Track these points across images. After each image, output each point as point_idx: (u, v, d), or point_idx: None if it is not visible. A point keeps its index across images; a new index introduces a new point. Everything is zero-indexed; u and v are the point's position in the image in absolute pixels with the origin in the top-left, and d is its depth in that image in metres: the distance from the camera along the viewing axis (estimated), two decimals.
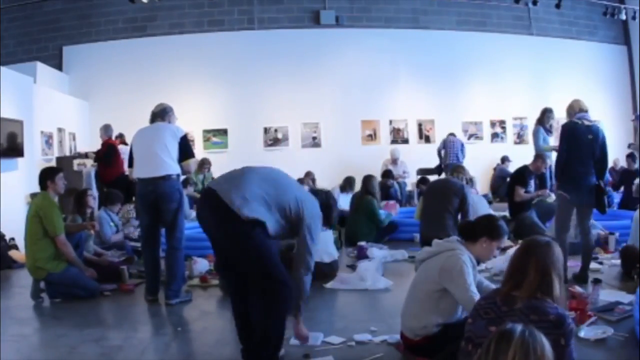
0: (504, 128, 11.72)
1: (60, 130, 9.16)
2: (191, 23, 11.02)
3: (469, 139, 11.43)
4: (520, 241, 3.25)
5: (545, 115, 6.96)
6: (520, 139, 11.65)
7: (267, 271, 2.80)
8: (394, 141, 11.23)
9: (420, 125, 11.41)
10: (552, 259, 2.03)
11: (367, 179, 7.07)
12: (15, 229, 6.08)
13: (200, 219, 2.98)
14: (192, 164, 4.63)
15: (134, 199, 5.84)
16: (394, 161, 10.31)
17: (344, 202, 7.82)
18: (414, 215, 7.22)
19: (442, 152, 10.17)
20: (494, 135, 11.74)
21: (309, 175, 8.42)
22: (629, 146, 7.28)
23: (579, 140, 4.59)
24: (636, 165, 8.55)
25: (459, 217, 5.69)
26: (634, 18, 11.08)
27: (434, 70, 11.33)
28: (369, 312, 4.15)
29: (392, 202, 8.14)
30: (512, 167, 9.76)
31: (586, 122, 4.68)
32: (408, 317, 3.06)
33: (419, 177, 9.88)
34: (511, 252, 3.73)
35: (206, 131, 10.82)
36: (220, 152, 10.56)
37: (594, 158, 4.60)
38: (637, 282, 4.27)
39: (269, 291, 2.81)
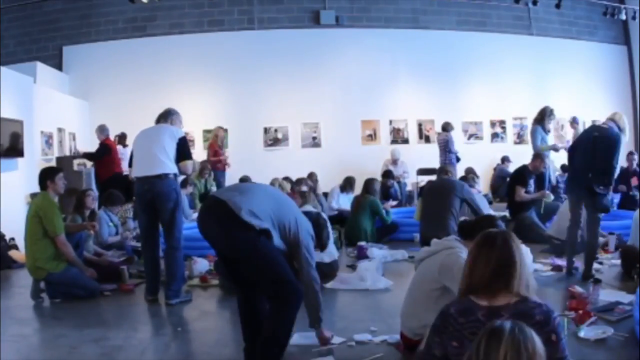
0: (504, 128, 11.72)
1: (60, 130, 9.16)
2: (191, 23, 11.01)
3: (469, 139, 11.43)
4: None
5: (547, 115, 6.95)
6: (520, 139, 11.65)
7: (278, 277, 2.82)
8: (394, 141, 11.22)
9: (420, 125, 11.40)
10: (511, 250, 1.88)
11: (369, 182, 7.17)
12: (15, 229, 6.09)
13: (203, 229, 2.94)
14: (189, 165, 4.62)
15: (133, 198, 5.84)
16: (395, 161, 10.31)
17: (344, 202, 7.84)
18: (413, 216, 7.22)
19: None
20: (494, 135, 11.73)
21: (311, 176, 8.38)
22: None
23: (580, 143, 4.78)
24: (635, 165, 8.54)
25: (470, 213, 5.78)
26: (634, 18, 11.07)
27: (434, 70, 11.32)
28: (369, 312, 4.15)
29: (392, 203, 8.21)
30: (512, 167, 9.76)
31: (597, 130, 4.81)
32: (407, 316, 3.06)
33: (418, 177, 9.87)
34: None
35: (206, 131, 10.81)
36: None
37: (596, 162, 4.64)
38: (637, 282, 4.27)
39: (280, 294, 2.83)
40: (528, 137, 9.91)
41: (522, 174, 6.77)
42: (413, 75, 11.33)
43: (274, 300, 2.85)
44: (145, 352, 3.39)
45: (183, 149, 4.52)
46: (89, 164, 9.00)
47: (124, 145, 9.28)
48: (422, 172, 10.22)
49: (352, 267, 5.43)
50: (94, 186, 8.30)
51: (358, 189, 7.66)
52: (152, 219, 4.49)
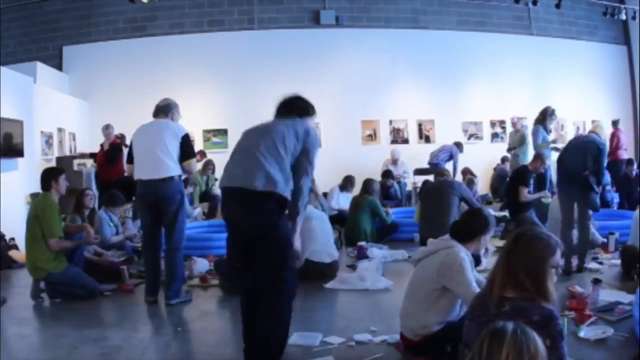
0: (504, 128, 11.71)
1: (60, 130, 9.15)
2: (191, 23, 11.01)
3: (469, 139, 11.42)
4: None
5: (549, 115, 6.96)
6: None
7: (282, 264, 2.87)
8: (394, 141, 11.22)
9: (420, 125, 11.41)
10: (542, 252, 1.91)
11: (368, 182, 7.18)
12: (15, 229, 6.09)
13: (227, 214, 3.05)
14: (193, 164, 4.56)
15: (133, 198, 5.84)
16: (395, 161, 10.30)
17: (343, 201, 7.84)
18: (413, 216, 7.23)
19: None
20: (494, 135, 11.73)
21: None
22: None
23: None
24: (634, 171, 8.55)
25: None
26: (634, 18, 11.08)
27: (434, 70, 11.32)
28: (369, 312, 4.15)
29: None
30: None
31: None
32: (407, 317, 3.06)
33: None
34: None
35: (206, 131, 10.81)
36: (220, 152, 10.50)
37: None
38: (637, 282, 4.27)
39: (275, 293, 2.84)
40: (529, 138, 9.92)
41: (523, 174, 6.77)
42: (413, 75, 11.33)
43: (265, 297, 2.86)
44: (145, 352, 3.39)
45: (186, 148, 4.44)
46: (89, 164, 8.98)
47: (125, 146, 9.27)
48: (419, 172, 10.21)
49: (352, 267, 5.43)
50: (94, 186, 8.28)
51: (358, 188, 7.65)
52: (154, 220, 4.44)
